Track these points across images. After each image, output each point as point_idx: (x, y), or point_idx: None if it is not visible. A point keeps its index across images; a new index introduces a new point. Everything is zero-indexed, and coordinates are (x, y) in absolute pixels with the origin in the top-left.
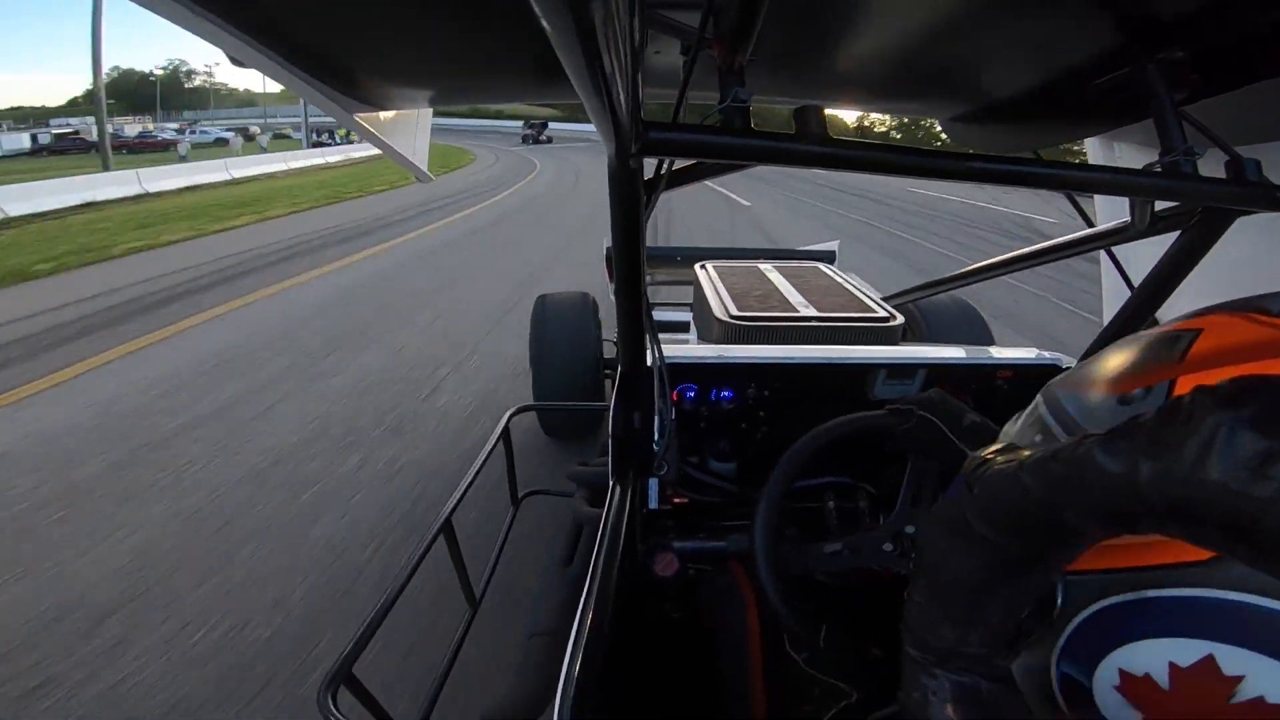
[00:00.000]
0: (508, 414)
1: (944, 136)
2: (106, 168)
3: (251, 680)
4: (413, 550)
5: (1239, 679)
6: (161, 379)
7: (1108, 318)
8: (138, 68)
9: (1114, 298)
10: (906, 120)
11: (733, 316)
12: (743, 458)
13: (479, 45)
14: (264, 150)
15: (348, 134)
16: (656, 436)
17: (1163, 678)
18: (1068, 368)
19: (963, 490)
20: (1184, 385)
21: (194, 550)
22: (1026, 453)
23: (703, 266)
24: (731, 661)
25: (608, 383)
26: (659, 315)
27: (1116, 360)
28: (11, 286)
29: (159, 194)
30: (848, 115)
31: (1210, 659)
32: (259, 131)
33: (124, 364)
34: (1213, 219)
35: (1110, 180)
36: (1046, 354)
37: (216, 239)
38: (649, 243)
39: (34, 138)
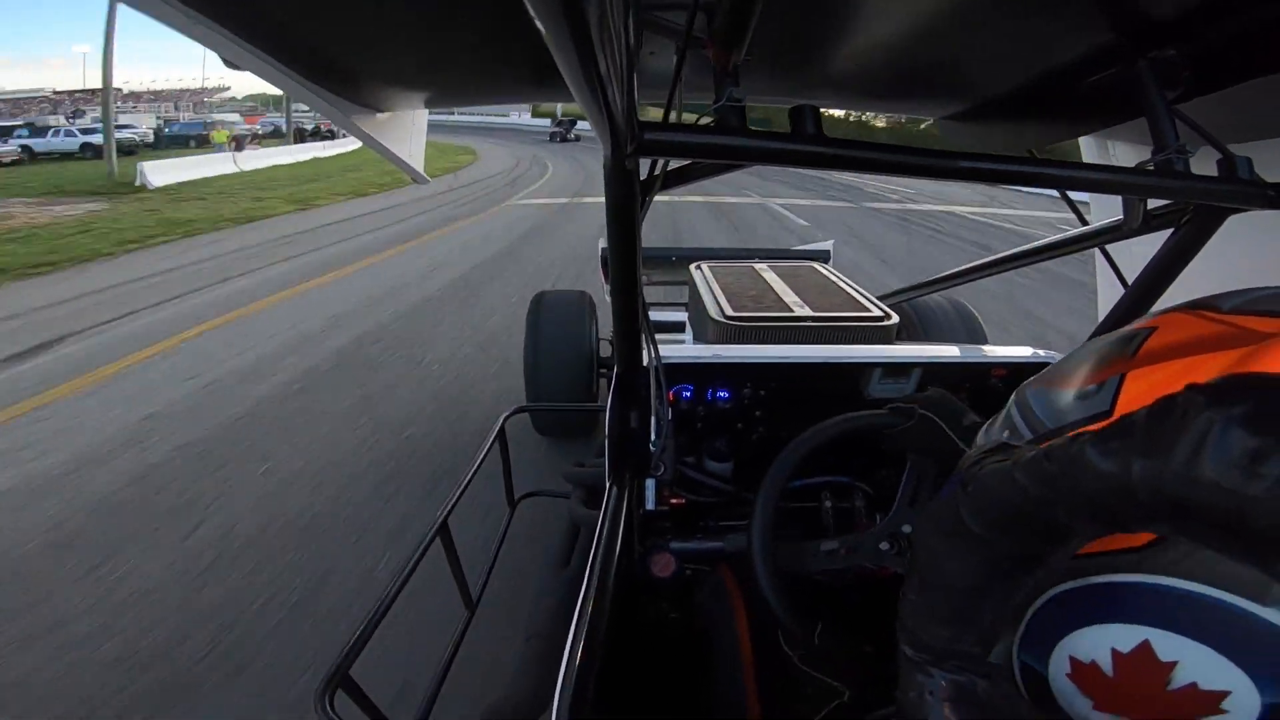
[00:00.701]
0: (504, 415)
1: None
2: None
3: None
4: (408, 552)
5: (1173, 665)
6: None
7: (1102, 315)
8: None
9: (1108, 296)
10: (904, 120)
11: (728, 316)
12: (739, 458)
13: (474, 47)
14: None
15: (331, 131)
16: (653, 437)
17: (1106, 664)
18: None
19: (957, 489)
20: (1132, 380)
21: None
22: (1020, 452)
23: (698, 267)
24: (725, 662)
25: (603, 382)
26: (654, 316)
27: (1080, 358)
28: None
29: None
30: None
31: (1146, 645)
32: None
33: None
34: (1205, 217)
35: (1103, 178)
36: (1041, 352)
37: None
38: (644, 243)
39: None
